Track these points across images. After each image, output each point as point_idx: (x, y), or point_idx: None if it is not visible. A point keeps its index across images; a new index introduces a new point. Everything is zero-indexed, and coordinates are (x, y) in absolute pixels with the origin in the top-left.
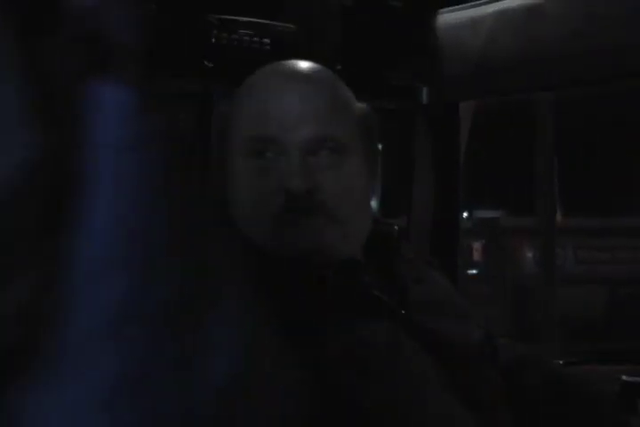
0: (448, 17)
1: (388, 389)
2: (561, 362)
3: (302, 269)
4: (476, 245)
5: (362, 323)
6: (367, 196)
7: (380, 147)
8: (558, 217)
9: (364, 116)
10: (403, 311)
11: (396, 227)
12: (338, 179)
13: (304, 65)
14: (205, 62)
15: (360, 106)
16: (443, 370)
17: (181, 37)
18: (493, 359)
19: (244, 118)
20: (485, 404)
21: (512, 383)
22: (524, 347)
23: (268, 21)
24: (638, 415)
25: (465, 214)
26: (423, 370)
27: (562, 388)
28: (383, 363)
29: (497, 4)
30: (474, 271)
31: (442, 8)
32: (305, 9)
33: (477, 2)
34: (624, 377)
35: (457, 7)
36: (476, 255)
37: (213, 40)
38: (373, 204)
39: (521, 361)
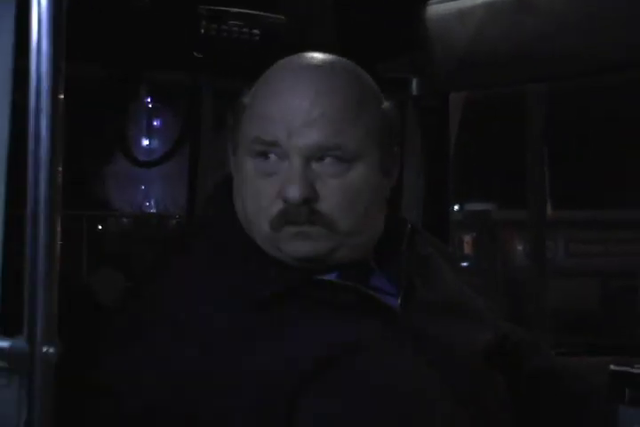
0: (437, 8)
1: (370, 388)
2: (554, 353)
3: (299, 274)
4: (467, 238)
5: (351, 323)
6: (379, 200)
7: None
8: (549, 210)
9: (387, 116)
10: (402, 311)
11: (409, 225)
12: (341, 188)
13: (324, 60)
14: (194, 53)
15: (386, 104)
16: (437, 371)
17: (170, 28)
18: (501, 361)
19: (251, 117)
20: (485, 409)
21: (508, 370)
22: (523, 331)
23: (257, 12)
24: (626, 404)
25: (456, 207)
26: (411, 370)
27: (554, 380)
28: (368, 362)
29: None
30: (464, 264)
31: None
32: (296, 0)
33: None
34: (612, 366)
35: None
36: (467, 248)
37: (202, 31)
38: None
39: (518, 348)
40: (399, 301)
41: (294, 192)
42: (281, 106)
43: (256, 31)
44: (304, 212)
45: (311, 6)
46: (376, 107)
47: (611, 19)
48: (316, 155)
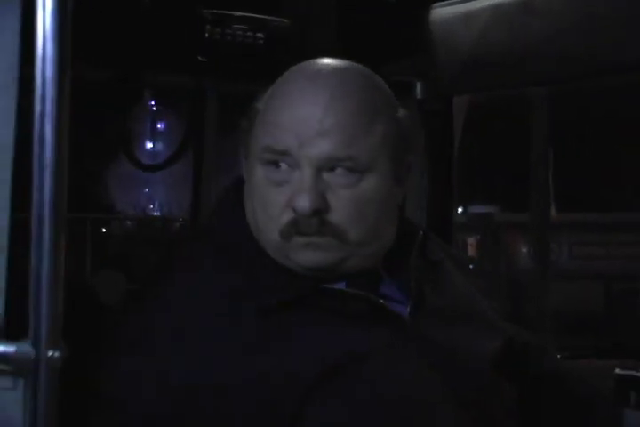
0: (442, 11)
1: (378, 397)
2: (559, 356)
3: (308, 282)
4: (471, 241)
5: (360, 332)
6: (390, 209)
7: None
8: (553, 212)
9: (401, 124)
10: (411, 319)
11: (421, 232)
12: (352, 199)
13: (338, 66)
14: (199, 57)
15: (401, 112)
16: (446, 379)
17: (175, 32)
18: (508, 365)
19: (263, 125)
20: (492, 416)
21: (515, 373)
22: (529, 334)
23: (262, 16)
24: (632, 408)
25: (460, 209)
26: (419, 379)
27: (560, 383)
28: (376, 370)
29: None
30: (469, 267)
31: (435, 2)
32: (299, 4)
33: None
34: (617, 370)
35: (451, 2)
36: (471, 250)
37: (207, 35)
38: None
39: (524, 350)
40: (408, 309)
41: (304, 203)
42: (293, 114)
43: (260, 35)
44: (314, 223)
45: (315, 10)
46: (391, 114)
47: (616, 21)
48: (327, 165)
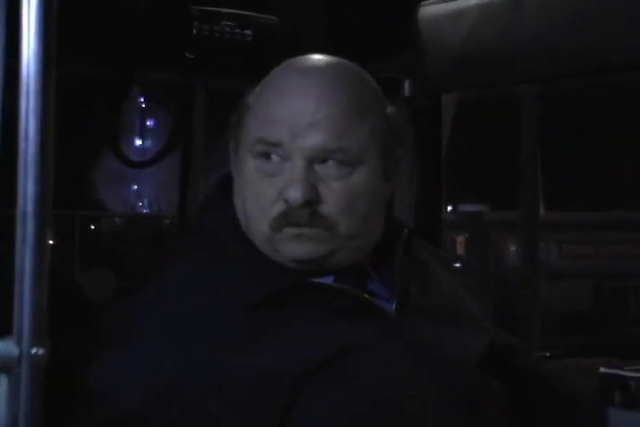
0: (431, 9)
1: (364, 391)
2: (547, 355)
3: (295, 277)
4: (460, 239)
5: (346, 327)
6: (379, 204)
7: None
8: (542, 211)
9: (390, 120)
10: (396, 316)
11: (406, 229)
12: (343, 191)
13: (329, 62)
14: (186, 54)
15: (390, 109)
16: (430, 375)
17: (163, 29)
18: (493, 365)
19: (255, 118)
20: (483, 414)
21: (500, 374)
22: (510, 336)
23: (249, 13)
24: (616, 407)
25: (449, 208)
26: (404, 374)
27: (545, 384)
28: (362, 366)
29: None
30: (457, 265)
31: (424, 0)
32: (288, 0)
33: None
34: (602, 369)
35: None
36: (460, 249)
37: (194, 31)
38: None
39: (507, 352)
40: (394, 306)
41: (296, 194)
42: (285, 107)
43: (248, 32)
44: (305, 214)
45: (303, 7)
46: (380, 110)
47: (605, 18)
48: (319, 157)
